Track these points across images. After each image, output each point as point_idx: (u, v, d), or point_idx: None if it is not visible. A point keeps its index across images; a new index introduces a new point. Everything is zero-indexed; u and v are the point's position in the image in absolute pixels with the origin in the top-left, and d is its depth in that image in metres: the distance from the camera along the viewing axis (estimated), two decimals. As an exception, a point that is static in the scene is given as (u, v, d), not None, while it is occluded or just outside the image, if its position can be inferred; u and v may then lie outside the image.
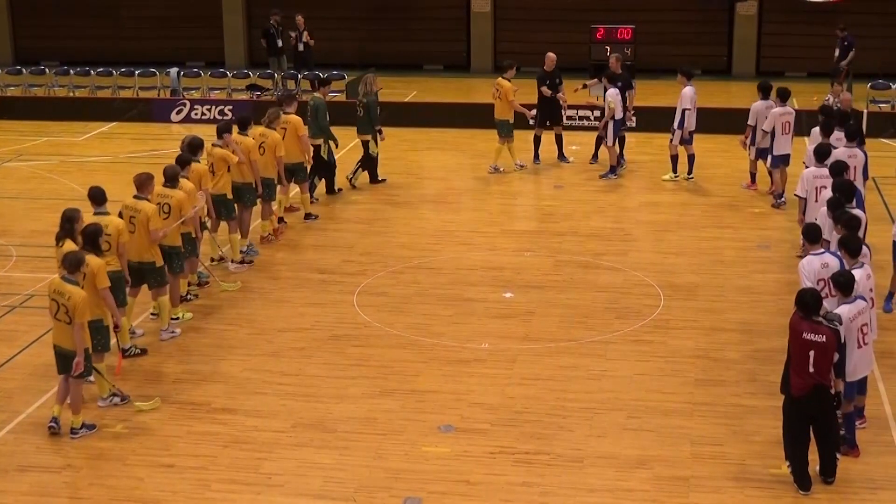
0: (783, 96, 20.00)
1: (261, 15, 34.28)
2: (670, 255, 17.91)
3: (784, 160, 20.00)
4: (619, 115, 21.76)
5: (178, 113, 28.45)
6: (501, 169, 22.73)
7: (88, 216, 13.48)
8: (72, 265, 12.15)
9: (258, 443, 12.09)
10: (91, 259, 12.49)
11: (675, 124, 21.42)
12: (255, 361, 14.12)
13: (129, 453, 11.93)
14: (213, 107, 28.35)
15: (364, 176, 21.91)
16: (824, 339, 10.77)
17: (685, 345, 14.46)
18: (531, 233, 19.26)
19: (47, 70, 31.53)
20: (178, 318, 15.34)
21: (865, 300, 11.64)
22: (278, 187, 18.63)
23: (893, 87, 27.62)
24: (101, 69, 30.89)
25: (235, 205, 17.27)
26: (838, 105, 19.50)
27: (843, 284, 11.45)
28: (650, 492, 11.13)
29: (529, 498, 11.06)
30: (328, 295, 16.29)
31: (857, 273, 11.88)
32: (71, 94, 30.38)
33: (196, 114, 28.32)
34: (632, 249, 18.25)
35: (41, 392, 13.19)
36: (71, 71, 30.92)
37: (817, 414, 10.94)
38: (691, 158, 21.87)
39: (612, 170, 22.19)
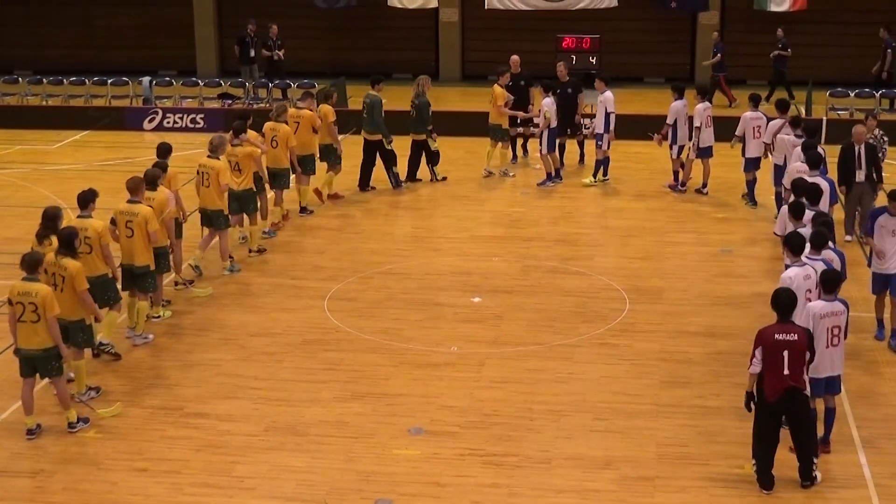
0: (703, 93, 21.43)
1: (232, 24, 34.17)
2: (635, 259, 17.97)
3: (708, 152, 21.14)
4: (553, 123, 21.87)
5: (150, 121, 28.34)
6: (511, 173, 23.07)
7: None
8: (30, 265, 12.12)
9: (231, 446, 12.05)
10: (69, 262, 12.52)
11: (602, 129, 21.92)
12: (227, 366, 14.08)
13: (103, 458, 11.87)
14: (185, 115, 28.26)
15: (436, 169, 22.64)
16: (796, 338, 10.80)
17: (650, 347, 14.51)
18: (499, 238, 19.27)
19: (20, 79, 31.30)
20: (158, 317, 15.41)
21: (845, 304, 11.64)
22: (293, 176, 19.88)
23: (852, 94, 27.80)
24: (74, 78, 30.68)
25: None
26: (871, 139, 18.62)
27: (828, 282, 11.53)
28: (616, 492, 11.16)
29: (498, 499, 11.07)
30: (299, 300, 16.26)
31: (795, 271, 11.99)
32: (44, 103, 30.15)
33: (168, 122, 28.21)
34: (598, 254, 18.31)
35: (15, 397, 13.06)
36: (44, 80, 30.69)
37: (791, 415, 10.96)
38: (606, 161, 22.33)
39: (549, 177, 22.26)
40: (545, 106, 21.72)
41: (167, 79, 31.36)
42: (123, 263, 14.50)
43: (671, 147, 21.58)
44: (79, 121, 28.37)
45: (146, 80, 29.99)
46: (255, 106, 28.97)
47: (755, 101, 20.50)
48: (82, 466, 11.72)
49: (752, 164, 20.46)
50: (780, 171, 19.08)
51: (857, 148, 17.99)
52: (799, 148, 17.56)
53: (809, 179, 15.45)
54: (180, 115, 28.28)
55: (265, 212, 18.80)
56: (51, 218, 13.21)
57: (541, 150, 22.12)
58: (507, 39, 31.78)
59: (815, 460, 11.17)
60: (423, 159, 22.45)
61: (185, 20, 34.73)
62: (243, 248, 18.19)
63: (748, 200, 20.72)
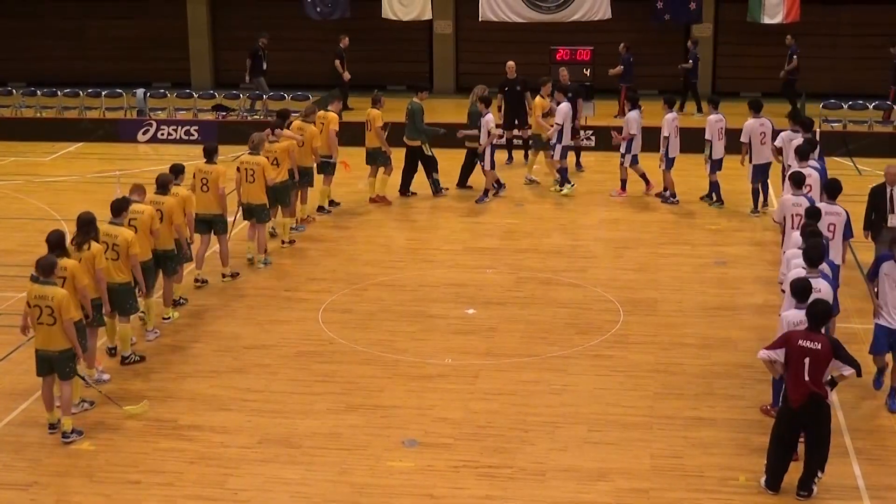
0: (670, 103, 21.77)
1: (226, 37, 34.30)
2: (629, 271, 17.98)
3: (671, 163, 21.58)
4: (496, 139, 21.91)
5: (144, 133, 28.34)
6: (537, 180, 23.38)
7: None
8: (46, 269, 12.27)
9: (224, 459, 12.02)
10: (66, 262, 12.64)
11: (554, 139, 22.22)
12: (221, 378, 14.05)
13: (96, 470, 11.83)
14: (180, 127, 28.28)
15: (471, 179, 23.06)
16: (819, 347, 10.78)
17: (644, 359, 14.50)
18: (493, 250, 19.27)
19: (14, 91, 31.32)
20: (168, 319, 15.74)
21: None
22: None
23: (845, 106, 27.86)
24: (68, 90, 30.71)
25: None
26: None
27: (799, 290, 11.54)
28: (611, 504, 11.16)
29: (492, 511, 11.06)
30: (293, 312, 16.24)
31: (795, 315, 11.92)
32: (38, 115, 30.15)
33: (162, 134, 28.22)
34: (591, 266, 18.30)
35: (8, 410, 13.08)
36: (38, 92, 30.71)
37: (812, 424, 10.94)
38: (563, 172, 22.62)
39: (486, 193, 22.18)
40: (489, 122, 21.66)
41: (161, 91, 31.38)
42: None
43: (624, 156, 22.04)
44: (73, 133, 28.39)
45: (140, 91, 30.00)
46: (249, 118, 28.99)
47: (670, 104, 21.66)
48: (75, 479, 11.68)
49: (672, 163, 21.54)
50: (757, 170, 20.60)
51: (889, 190, 15.89)
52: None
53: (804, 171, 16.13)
54: (174, 127, 28.30)
55: (293, 208, 19.68)
56: (86, 223, 13.39)
57: (483, 166, 22.00)
58: (501, 52, 31.76)
59: (820, 475, 11.13)
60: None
61: (179, 32, 34.76)
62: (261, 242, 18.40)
63: (713, 200, 21.62)
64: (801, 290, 11.64)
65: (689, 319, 15.89)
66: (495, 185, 22.39)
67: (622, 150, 22.03)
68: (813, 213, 14.19)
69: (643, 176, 22.28)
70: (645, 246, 19.26)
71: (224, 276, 17.44)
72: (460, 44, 34.12)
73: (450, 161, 22.86)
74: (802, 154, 17.02)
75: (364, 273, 17.89)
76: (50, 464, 11.99)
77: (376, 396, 13.49)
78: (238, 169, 17.86)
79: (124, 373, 14.20)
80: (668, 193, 21.87)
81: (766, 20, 30.99)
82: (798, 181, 15.51)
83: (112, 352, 14.59)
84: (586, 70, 27.46)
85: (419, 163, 22.32)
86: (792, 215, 14.99)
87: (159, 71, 34.82)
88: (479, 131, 21.77)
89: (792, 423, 10.98)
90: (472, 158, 22.59)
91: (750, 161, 20.56)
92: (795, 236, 13.75)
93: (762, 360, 11.26)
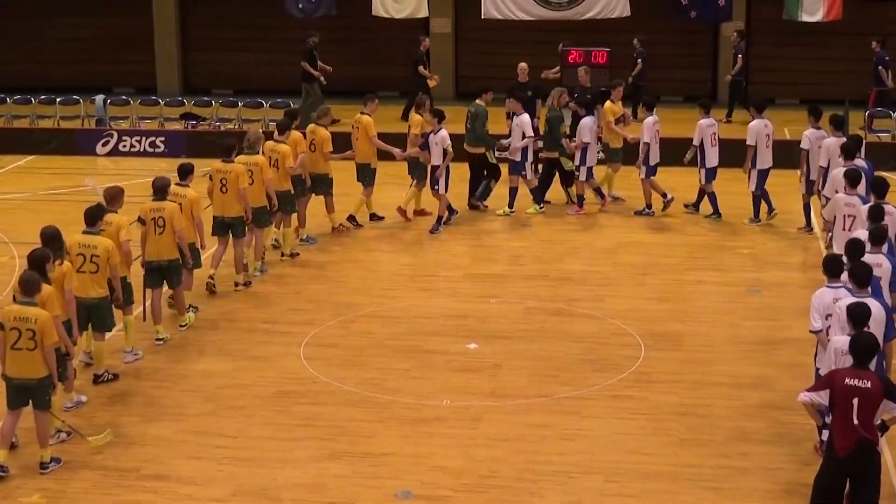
0: (649, 106, 22.49)
1: (197, 36, 34.37)
2: (651, 300, 17.99)
3: (654, 170, 22.39)
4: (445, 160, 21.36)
5: (104, 145, 28.39)
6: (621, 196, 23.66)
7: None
8: (29, 287, 12.39)
9: (193, 513, 12.02)
10: (43, 287, 12.67)
11: (519, 156, 22.41)
12: (190, 422, 14.04)
13: (48, 526, 11.83)
14: (144, 138, 28.30)
15: (570, 191, 23.24)
16: (869, 385, 10.67)
17: (669, 400, 14.50)
18: (497, 277, 19.30)
19: (-42, 97, 31.40)
20: (185, 325, 16.79)
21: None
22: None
23: (894, 115, 27.89)
24: (19, 97, 30.73)
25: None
26: None
27: (857, 316, 11.47)
28: (631, 564, 11.15)
29: (497, 572, 11.05)
30: (272, 347, 16.24)
31: (842, 340, 11.93)
32: (-16, 124, 30.26)
33: (125, 146, 28.26)
34: (609, 295, 18.32)
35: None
36: (-16, 98, 30.81)
37: (859, 472, 10.90)
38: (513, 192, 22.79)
39: (439, 221, 21.63)
40: (445, 139, 21.18)
41: (124, 97, 31.44)
42: (79, 296, 14.41)
43: (578, 168, 22.34)
44: (24, 144, 28.42)
45: (100, 98, 30.08)
46: (222, 128, 29.04)
47: (650, 107, 22.34)
48: (25, 536, 11.69)
49: (653, 171, 22.18)
50: (762, 175, 21.30)
51: None
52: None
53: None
54: (138, 138, 28.35)
55: (303, 218, 20.44)
56: (53, 238, 13.48)
57: (434, 188, 21.47)
58: (505, 53, 31.92)
59: None
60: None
61: (144, 32, 34.84)
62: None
63: (705, 211, 22.20)
64: (859, 315, 11.51)
65: (719, 355, 15.90)
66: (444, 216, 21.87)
67: (576, 161, 22.27)
68: (877, 213, 14.52)
69: (598, 190, 22.80)
70: (669, 272, 19.29)
71: (237, 284, 18.20)
72: (460, 44, 34.26)
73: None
74: (849, 152, 17.73)
75: (352, 302, 17.90)
76: (-4, 519, 11.98)
77: (365, 442, 13.48)
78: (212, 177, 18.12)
79: (82, 414, 14.15)
80: (666, 199, 22.37)
81: (805, 18, 31.11)
82: (854, 179, 16.11)
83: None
84: (603, 74, 27.54)
85: (485, 171, 22.58)
86: (844, 216, 15.55)
87: (121, 75, 34.91)
88: (430, 150, 21.26)
89: (838, 473, 10.93)
90: (551, 170, 22.92)
91: (754, 166, 21.05)
92: (843, 236, 14.51)
93: (803, 404, 11.23)
